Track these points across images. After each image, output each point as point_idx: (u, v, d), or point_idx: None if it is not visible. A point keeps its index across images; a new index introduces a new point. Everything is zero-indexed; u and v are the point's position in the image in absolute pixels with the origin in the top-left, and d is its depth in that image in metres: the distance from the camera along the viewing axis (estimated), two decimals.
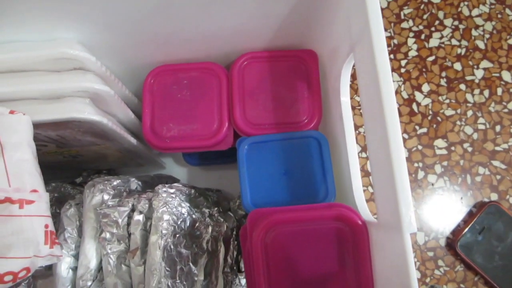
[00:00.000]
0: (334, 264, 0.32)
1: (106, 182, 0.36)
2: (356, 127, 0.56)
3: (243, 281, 0.45)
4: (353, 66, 0.35)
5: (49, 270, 0.35)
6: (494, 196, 0.55)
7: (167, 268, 0.34)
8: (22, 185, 0.28)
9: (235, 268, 0.44)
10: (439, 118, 0.57)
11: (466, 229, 0.54)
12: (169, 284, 0.34)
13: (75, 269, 0.33)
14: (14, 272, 0.27)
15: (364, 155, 0.56)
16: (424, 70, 0.58)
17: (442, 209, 0.55)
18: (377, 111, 0.26)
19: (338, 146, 0.38)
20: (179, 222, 0.36)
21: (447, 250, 0.55)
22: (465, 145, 0.56)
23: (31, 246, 0.28)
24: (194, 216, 0.38)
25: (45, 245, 0.29)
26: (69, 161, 0.46)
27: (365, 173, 0.55)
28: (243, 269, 0.45)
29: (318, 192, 0.37)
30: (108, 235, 0.33)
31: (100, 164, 0.50)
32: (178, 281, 0.35)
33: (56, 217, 0.36)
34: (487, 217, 0.54)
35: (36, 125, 0.31)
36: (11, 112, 0.29)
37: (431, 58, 0.58)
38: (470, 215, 0.55)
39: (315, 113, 0.39)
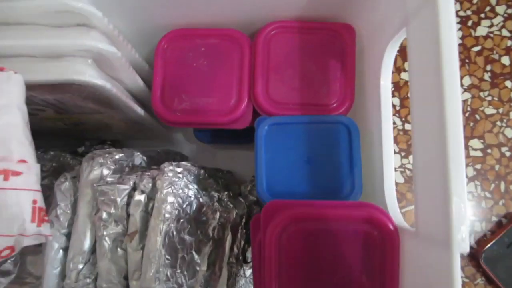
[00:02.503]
0: (357, 272, 0.28)
1: (107, 155, 0.33)
2: None
3: (248, 272, 0.42)
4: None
5: (39, 247, 0.32)
6: None
7: (167, 257, 0.30)
8: (8, 153, 0.25)
9: (240, 258, 0.41)
10: (477, 116, 0.51)
11: (493, 241, 0.49)
12: (168, 273, 0.30)
13: (66, 249, 0.30)
14: None
15: None
16: (467, 61, 0.52)
17: (469, 216, 0.51)
18: (435, 99, 0.21)
19: (371, 137, 0.33)
20: (184, 206, 0.32)
21: (469, 260, 0.50)
22: (503, 149, 0.51)
23: (15, 223, 0.24)
24: (201, 199, 0.35)
25: (32, 223, 0.25)
26: (70, 129, 0.42)
27: None
28: (249, 260, 0.41)
29: (343, 186, 0.33)
30: (104, 215, 0.30)
31: (104, 134, 0.46)
32: (179, 270, 0.32)
33: (51, 189, 0.32)
34: None
35: (30, 86, 0.27)
36: (0, 69, 0.25)
37: (476, 49, 0.52)
38: (499, 226, 0.50)
39: (347, 96, 0.35)
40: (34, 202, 0.25)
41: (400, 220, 0.29)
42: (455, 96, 0.21)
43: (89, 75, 0.27)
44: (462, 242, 0.21)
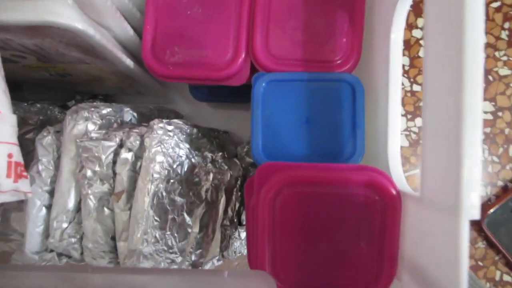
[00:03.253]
0: (354, 238, 0.26)
1: (93, 109, 0.30)
2: None
3: (243, 235, 0.41)
4: None
5: (22, 203, 0.30)
6: None
7: (155, 218, 0.29)
8: None
9: (235, 220, 0.39)
10: (490, 77, 0.48)
11: (498, 205, 0.48)
12: (157, 235, 0.29)
13: (49, 207, 0.28)
14: None
15: None
16: (485, 17, 0.48)
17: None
18: (454, 54, 0.19)
19: (377, 97, 0.31)
20: (175, 166, 0.31)
21: (471, 224, 0.49)
22: None
23: None
24: (193, 160, 0.33)
25: (8, 178, 0.23)
26: (58, 81, 0.39)
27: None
28: (244, 222, 0.40)
29: (344, 148, 0.31)
30: (89, 173, 0.28)
31: (95, 88, 0.44)
32: (169, 232, 0.30)
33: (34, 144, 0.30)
34: None
35: (4, 28, 0.25)
36: None
37: (495, 4, 0.48)
38: (505, 190, 0.49)
39: (353, 52, 0.32)
40: (10, 156, 0.23)
41: (404, 185, 0.27)
42: (476, 49, 0.19)
43: (67, 17, 0.24)
44: (472, 208, 0.19)
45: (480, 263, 0.50)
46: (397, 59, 0.28)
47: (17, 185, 0.24)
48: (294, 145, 0.32)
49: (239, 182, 0.38)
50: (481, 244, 0.49)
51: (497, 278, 0.50)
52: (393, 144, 0.29)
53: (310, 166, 0.27)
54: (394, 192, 0.25)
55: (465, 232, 0.19)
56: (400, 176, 0.28)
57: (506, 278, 0.50)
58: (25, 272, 0.24)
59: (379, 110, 0.30)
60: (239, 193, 0.38)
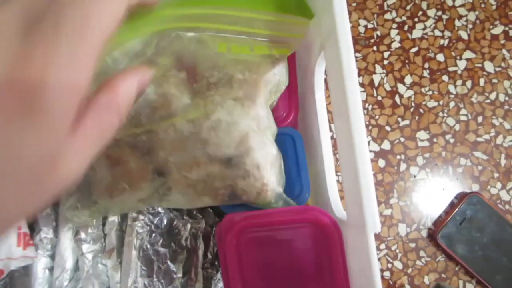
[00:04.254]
0: (310, 268, 0.32)
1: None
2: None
3: None
4: None
5: (27, 270, 0.35)
6: (475, 187, 0.56)
7: (143, 268, 0.34)
8: None
9: (216, 263, 0.45)
10: (421, 110, 0.57)
11: (447, 220, 0.54)
12: (146, 283, 0.34)
13: (51, 269, 0.34)
14: None
15: None
16: (407, 61, 0.57)
17: (424, 201, 0.56)
18: (343, 109, 0.26)
19: (314, 143, 0.38)
20: (155, 221, 0.37)
21: (429, 241, 0.55)
22: (447, 136, 0.56)
23: (3, 249, 0.28)
24: (171, 214, 0.39)
25: (18, 247, 0.29)
26: None
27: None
28: None
29: (293, 188, 0.38)
30: (83, 235, 0.34)
31: None
32: (155, 279, 0.36)
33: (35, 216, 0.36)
34: (468, 208, 0.55)
35: None
36: None
37: (414, 50, 0.58)
38: (452, 206, 0.56)
39: (292, 108, 0.39)
40: (19, 228, 0.29)
41: (342, 213, 0.34)
42: (358, 112, 0.26)
43: None
44: (374, 224, 0.25)
45: (443, 275, 0.55)
46: (323, 112, 0.36)
47: (26, 252, 0.30)
48: None
49: (214, 229, 0.43)
50: (440, 258, 0.55)
51: (461, 287, 0.55)
52: (330, 179, 0.35)
53: (262, 213, 0.33)
54: (330, 224, 0.31)
55: (372, 243, 0.25)
56: (338, 206, 0.34)
57: (468, 286, 0.55)
58: None
59: (317, 154, 0.37)
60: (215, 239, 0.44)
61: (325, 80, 0.34)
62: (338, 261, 0.31)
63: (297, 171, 0.38)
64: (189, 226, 0.40)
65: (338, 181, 0.51)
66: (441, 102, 0.57)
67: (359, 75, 0.56)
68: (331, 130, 0.50)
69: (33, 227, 0.34)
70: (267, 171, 0.31)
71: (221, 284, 0.45)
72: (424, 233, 0.55)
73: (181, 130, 0.30)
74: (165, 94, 0.30)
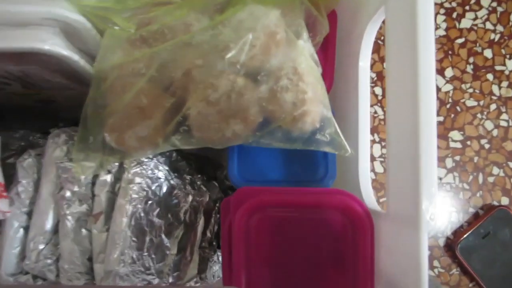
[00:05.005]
0: (328, 259, 0.27)
1: (73, 133, 0.31)
2: None
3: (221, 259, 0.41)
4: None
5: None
6: (505, 200, 0.51)
7: (133, 239, 0.29)
8: None
9: (214, 243, 0.40)
10: (458, 108, 0.51)
11: (470, 232, 0.49)
12: (134, 256, 0.29)
13: (27, 228, 0.29)
14: None
15: (370, 137, 0.51)
16: (450, 52, 0.52)
17: (446, 207, 0.51)
18: (409, 76, 0.21)
19: (348, 121, 0.33)
20: (153, 187, 0.31)
21: (445, 251, 0.51)
22: (483, 141, 0.51)
23: None
24: (172, 182, 0.34)
25: None
26: (41, 108, 0.40)
27: (371, 158, 0.51)
28: None
29: (317, 171, 0.32)
30: (68, 194, 0.29)
31: (79, 114, 0.45)
32: (146, 253, 0.31)
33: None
34: (494, 222, 0.50)
35: None
36: None
37: (460, 41, 0.52)
38: (476, 217, 0.51)
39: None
40: None
41: (374, 204, 0.29)
42: (429, 83, 0.21)
43: (53, 43, 0.26)
44: (431, 221, 0.20)
45: None
46: (365, 85, 0.31)
47: None
48: (270, 168, 0.33)
49: (218, 205, 0.38)
50: (455, 271, 0.51)
51: None
52: (363, 166, 0.30)
53: (282, 190, 0.28)
54: (362, 212, 0.27)
55: (425, 243, 0.20)
56: (370, 196, 0.29)
57: None
58: None
59: (350, 135, 0.32)
60: (218, 216, 0.39)
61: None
62: (366, 255, 0.26)
63: (324, 152, 0.32)
64: (190, 198, 0.35)
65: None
66: (481, 103, 0.51)
67: None
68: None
69: (10, 178, 0.28)
70: (307, 84, 0.26)
71: (216, 267, 0.41)
72: (441, 242, 0.50)
73: (200, 40, 0.26)
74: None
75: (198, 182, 0.37)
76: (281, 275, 0.28)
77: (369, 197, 0.29)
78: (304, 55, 0.28)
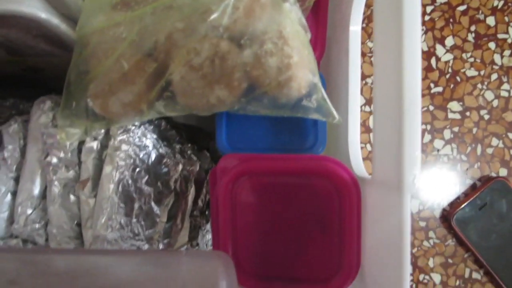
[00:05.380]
0: (315, 224, 0.27)
1: (60, 99, 0.31)
2: (364, 77, 0.50)
3: None
4: None
5: None
6: (503, 172, 0.50)
7: (121, 204, 0.29)
8: None
9: (207, 213, 0.40)
10: (458, 78, 0.50)
11: (466, 203, 0.49)
12: (122, 221, 0.30)
13: (14, 193, 0.29)
14: None
15: (367, 109, 0.50)
16: (451, 20, 0.50)
17: (443, 178, 0.50)
18: (394, 35, 0.20)
19: (338, 88, 0.32)
20: (141, 155, 0.31)
21: (441, 222, 0.50)
22: (482, 111, 0.50)
23: None
24: (161, 150, 0.33)
25: None
26: (31, 77, 0.40)
27: (366, 129, 0.50)
28: None
29: (306, 139, 0.32)
30: (54, 160, 0.28)
31: None
32: (135, 220, 0.31)
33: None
34: (491, 193, 0.49)
35: None
36: None
37: (461, 8, 0.50)
38: (473, 188, 0.50)
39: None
40: None
41: (362, 171, 0.28)
42: (415, 42, 0.20)
43: (30, 6, 0.25)
44: (412, 184, 0.20)
45: (450, 261, 0.51)
46: (356, 51, 0.30)
47: None
48: (258, 137, 0.32)
49: (209, 174, 0.38)
50: (450, 242, 0.51)
51: (466, 275, 0.51)
52: (353, 133, 0.30)
53: (267, 157, 0.28)
54: (348, 179, 0.26)
55: (407, 205, 0.20)
56: (358, 163, 0.29)
57: (475, 275, 0.51)
58: None
59: (340, 101, 0.31)
60: None
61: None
62: (352, 221, 0.26)
63: (314, 120, 0.32)
64: (180, 167, 0.35)
65: None
66: (482, 72, 0.50)
67: None
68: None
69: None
70: (293, 49, 0.26)
71: (209, 236, 0.41)
72: (437, 213, 0.50)
73: (181, 2, 0.25)
74: None
75: (189, 152, 0.36)
76: (267, 240, 0.28)
77: (357, 165, 0.29)
78: (290, 18, 0.27)
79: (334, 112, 0.28)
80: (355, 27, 0.29)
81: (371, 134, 0.50)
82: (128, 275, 0.24)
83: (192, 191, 0.36)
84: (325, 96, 0.28)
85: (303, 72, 0.27)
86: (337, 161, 0.27)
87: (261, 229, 0.28)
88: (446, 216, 0.50)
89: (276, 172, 0.27)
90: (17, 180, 0.29)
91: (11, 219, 0.28)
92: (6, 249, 0.26)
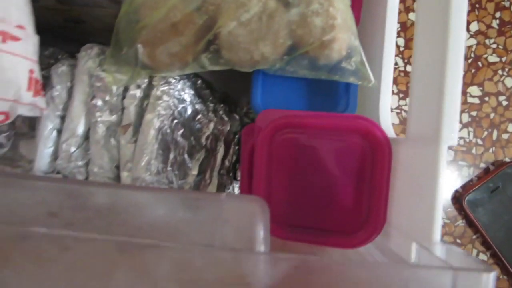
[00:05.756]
0: (347, 180, 0.29)
1: (106, 48, 0.32)
2: None
3: (237, 190, 0.43)
4: None
5: (32, 131, 0.32)
6: None
7: (159, 151, 0.31)
8: (7, 16, 0.24)
9: (231, 174, 0.41)
10: (480, 63, 0.51)
11: (479, 186, 0.50)
12: (159, 168, 0.31)
13: (60, 131, 0.30)
14: None
15: None
16: (477, 6, 0.51)
17: (458, 161, 0.52)
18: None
19: (373, 54, 0.33)
20: (179, 108, 0.33)
21: (453, 203, 0.52)
22: (501, 98, 0.51)
23: (11, 88, 0.24)
24: (197, 106, 0.35)
25: (28, 91, 0.25)
26: (71, 28, 0.41)
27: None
28: (239, 178, 0.42)
29: (338, 103, 0.33)
30: (99, 102, 0.30)
31: (108, 40, 0.46)
32: (170, 168, 0.32)
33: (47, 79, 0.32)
34: (504, 177, 0.50)
35: None
36: None
37: None
38: (487, 172, 0.52)
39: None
40: (31, 71, 0.25)
41: (392, 133, 0.30)
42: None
43: None
44: (451, 136, 0.21)
45: (458, 241, 0.52)
46: (393, 17, 0.31)
47: (35, 100, 0.26)
48: (292, 99, 0.34)
49: (237, 137, 0.40)
50: (460, 223, 0.52)
51: (474, 255, 0.52)
52: (385, 97, 0.31)
53: (306, 113, 0.29)
54: (382, 137, 0.28)
55: (444, 154, 0.21)
56: (389, 126, 0.30)
57: (482, 256, 0.52)
58: (30, 182, 0.26)
59: (374, 67, 0.32)
60: (236, 148, 0.40)
61: None
62: (383, 178, 0.27)
63: (346, 84, 0.33)
64: (212, 125, 0.36)
65: None
66: (504, 59, 0.51)
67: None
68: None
69: (44, 85, 0.30)
70: (337, 10, 0.27)
71: None
72: (449, 195, 0.52)
73: None
74: None
75: (220, 112, 0.38)
76: (299, 192, 0.29)
77: (388, 128, 0.30)
78: None
79: (371, 76, 0.30)
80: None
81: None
82: (167, 214, 0.25)
83: (221, 150, 0.37)
84: (364, 59, 0.29)
85: (345, 34, 0.28)
86: (371, 120, 0.28)
87: (294, 181, 0.29)
88: (458, 197, 0.51)
89: (313, 128, 0.28)
90: (63, 118, 0.30)
91: (55, 155, 0.30)
92: (50, 179, 0.27)
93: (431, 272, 0.17)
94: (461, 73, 0.22)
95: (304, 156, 0.29)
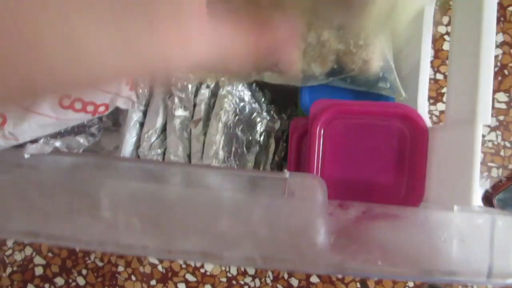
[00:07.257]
0: (389, 162, 0.33)
1: None
2: None
3: None
4: None
5: (113, 126, 0.37)
6: None
7: (225, 142, 0.36)
8: None
9: (277, 169, 0.46)
10: (506, 72, 0.55)
11: (508, 185, 0.53)
12: (225, 158, 0.36)
13: (142, 124, 0.36)
14: (96, 104, 0.29)
15: None
16: (502, 19, 0.55)
17: (487, 163, 0.55)
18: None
19: (412, 48, 0.37)
20: (240, 106, 0.38)
21: (484, 203, 0.54)
22: None
23: (114, 84, 0.30)
24: (253, 105, 0.40)
25: (126, 86, 0.31)
26: None
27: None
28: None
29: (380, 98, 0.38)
30: (176, 100, 0.35)
31: None
32: (232, 158, 0.37)
33: None
34: None
35: None
36: None
37: None
38: None
39: None
40: None
41: (428, 121, 0.34)
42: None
43: None
44: (485, 115, 0.25)
45: None
46: (428, 34, 0.35)
47: (131, 93, 0.31)
48: (337, 96, 0.38)
49: (286, 134, 0.44)
50: None
51: None
52: (423, 89, 0.35)
53: (354, 102, 0.34)
54: (422, 124, 0.32)
55: (479, 133, 0.25)
56: (426, 115, 0.34)
57: None
58: (127, 164, 0.31)
59: (414, 49, 0.37)
60: (285, 144, 0.45)
61: None
62: (421, 157, 0.31)
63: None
64: (265, 122, 0.41)
65: None
66: None
67: (442, 26, 0.55)
68: None
69: None
70: (376, 47, 0.32)
71: None
72: (480, 195, 0.54)
73: None
74: None
75: (272, 112, 0.43)
76: (349, 171, 0.33)
77: (425, 116, 0.34)
78: None
79: (402, 91, 0.35)
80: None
81: None
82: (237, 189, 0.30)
83: (272, 146, 0.42)
84: (397, 78, 0.34)
85: (382, 59, 0.33)
86: (412, 109, 0.32)
87: (344, 162, 0.33)
88: (489, 196, 0.54)
89: (361, 114, 0.32)
90: (144, 113, 0.36)
91: (137, 144, 0.35)
92: (133, 160, 0.33)
93: (473, 215, 0.20)
94: (492, 62, 0.26)
95: (354, 140, 0.33)
